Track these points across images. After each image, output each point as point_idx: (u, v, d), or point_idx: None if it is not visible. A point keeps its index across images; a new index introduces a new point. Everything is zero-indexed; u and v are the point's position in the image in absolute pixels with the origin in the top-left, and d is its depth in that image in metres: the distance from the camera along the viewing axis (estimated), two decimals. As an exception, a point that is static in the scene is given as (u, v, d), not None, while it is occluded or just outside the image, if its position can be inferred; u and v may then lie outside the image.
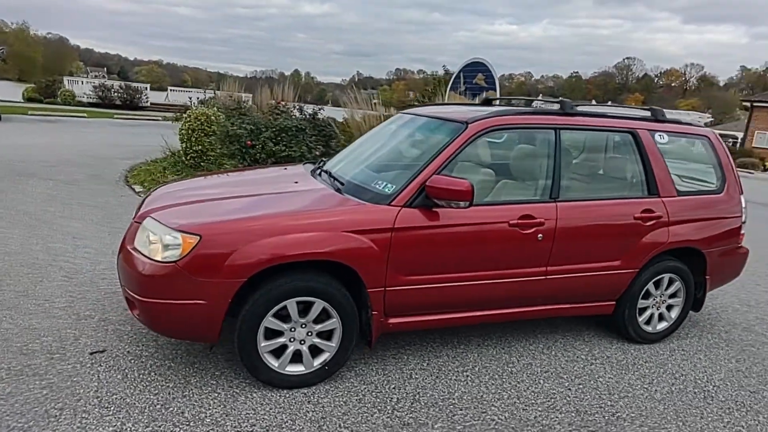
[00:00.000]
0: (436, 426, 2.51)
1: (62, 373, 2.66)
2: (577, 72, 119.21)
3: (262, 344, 2.59)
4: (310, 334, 2.69)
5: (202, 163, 7.61)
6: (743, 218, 3.70)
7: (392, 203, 2.72)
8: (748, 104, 24.32)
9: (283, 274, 2.53)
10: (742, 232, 3.72)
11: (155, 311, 2.48)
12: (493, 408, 2.70)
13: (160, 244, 2.49)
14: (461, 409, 2.66)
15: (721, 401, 2.94)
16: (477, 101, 8.90)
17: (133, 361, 2.84)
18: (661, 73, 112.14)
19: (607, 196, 3.27)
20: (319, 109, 9.40)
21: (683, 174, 3.54)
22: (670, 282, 3.54)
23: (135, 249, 2.60)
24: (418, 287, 2.81)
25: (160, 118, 20.36)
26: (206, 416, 2.43)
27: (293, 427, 2.42)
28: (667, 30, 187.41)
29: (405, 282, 2.77)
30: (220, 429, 2.35)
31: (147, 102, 25.04)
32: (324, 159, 3.97)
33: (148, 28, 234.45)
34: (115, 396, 2.52)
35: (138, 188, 7.10)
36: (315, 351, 2.73)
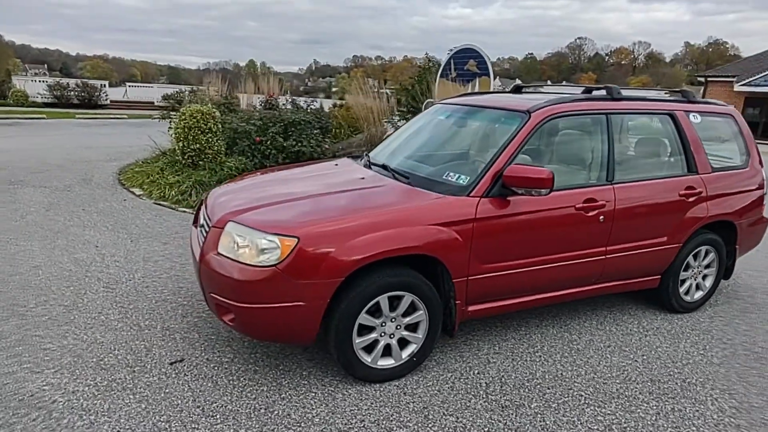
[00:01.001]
0: (532, 405, 2.61)
1: (151, 386, 2.60)
2: (531, 53, 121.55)
3: (357, 341, 2.61)
4: (398, 327, 2.73)
5: (200, 162, 7.39)
6: (765, 190, 3.96)
7: (471, 194, 2.77)
8: (702, 79, 25.58)
9: (375, 271, 2.55)
10: (764, 202, 3.98)
11: (254, 316, 2.45)
12: (576, 384, 2.83)
13: (254, 248, 2.45)
14: (548, 388, 2.78)
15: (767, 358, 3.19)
16: (470, 88, 9.02)
17: (216, 368, 2.80)
18: (611, 51, 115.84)
19: (654, 176, 3.43)
20: (312, 101, 9.30)
21: (713, 151, 3.75)
22: (706, 253, 3.77)
23: (222, 255, 2.55)
24: (495, 274, 2.88)
25: (125, 116, 19.51)
26: (314, 416, 2.44)
27: (400, 419, 2.46)
28: (615, 9, 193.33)
29: (484, 270, 2.84)
30: (332, 428, 2.37)
31: (107, 100, 23.83)
32: (365, 152, 3.95)
33: (89, 20, 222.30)
34: (215, 404, 2.49)
35: (137, 191, 6.85)
36: (403, 343, 2.78)
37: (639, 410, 2.62)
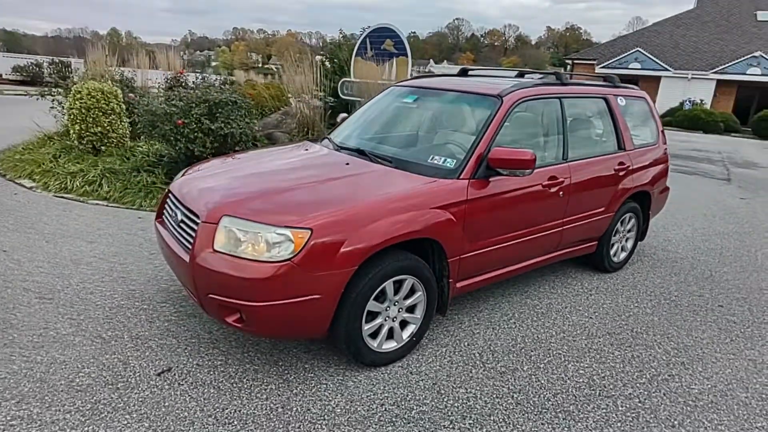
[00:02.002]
0: (524, 368, 2.86)
1: (146, 402, 2.36)
2: (414, 32, 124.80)
3: (365, 328, 2.62)
4: (400, 310, 2.79)
5: (103, 147, 6.56)
6: (668, 163, 4.66)
7: (461, 177, 2.89)
8: (569, 62, 28.59)
9: (382, 257, 2.57)
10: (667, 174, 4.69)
11: (268, 314, 2.33)
12: (552, 344, 3.15)
13: (262, 242, 2.32)
14: (532, 351, 3.05)
15: (686, 305, 3.82)
16: (387, 67, 9.09)
17: (212, 372, 2.62)
18: (485, 33, 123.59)
19: (596, 154, 3.85)
20: (225, 79, 8.69)
21: (632, 130, 4.30)
22: (629, 219, 4.35)
23: (221, 252, 2.37)
24: (482, 251, 3.06)
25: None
26: (334, 407, 2.43)
27: (416, 397, 2.55)
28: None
29: (473, 248, 3.00)
30: (356, 415, 2.38)
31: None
32: (327, 135, 3.86)
33: None
34: (227, 410, 2.35)
35: (27, 183, 5.89)
36: (402, 325, 2.84)
37: (608, 360, 3.01)
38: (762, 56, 23.31)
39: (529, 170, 2.88)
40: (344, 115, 4.28)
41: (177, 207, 2.78)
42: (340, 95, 9.51)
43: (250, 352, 2.82)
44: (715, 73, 24.33)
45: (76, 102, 6.34)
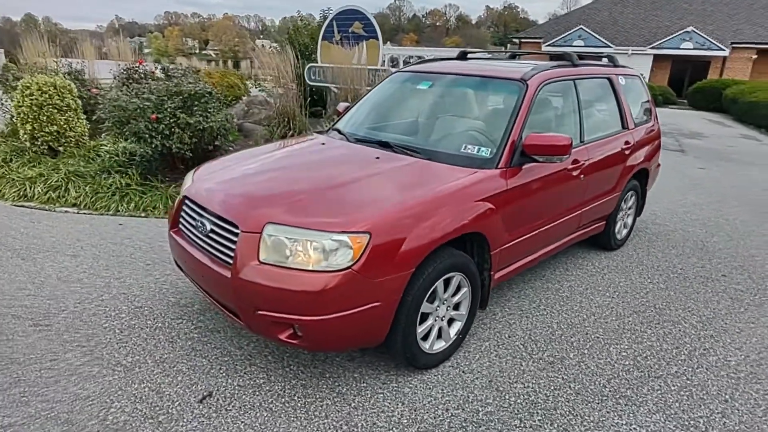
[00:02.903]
0: (571, 356, 2.85)
1: (200, 431, 2.14)
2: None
3: (418, 330, 2.49)
4: (448, 308, 2.68)
5: (60, 147, 5.96)
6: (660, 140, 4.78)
7: (498, 166, 2.79)
8: (517, 40, 29.14)
9: (434, 256, 2.44)
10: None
11: (328, 327, 2.15)
12: (587, 328, 3.15)
13: (317, 251, 2.12)
14: (571, 336, 3.04)
15: (693, 278, 3.96)
16: (357, 51, 8.81)
17: (257, 393, 2.41)
18: (426, 13, 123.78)
19: (606, 134, 3.87)
20: (188, 69, 8.15)
21: (632, 109, 4.36)
22: (631, 196, 4.44)
23: (269, 264, 2.16)
24: (517, 240, 2.99)
25: None
26: (399, 417, 2.30)
27: (478, 397, 2.46)
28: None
29: (510, 238, 2.92)
30: (424, 424, 2.27)
31: None
32: (334, 126, 3.64)
33: None
34: (289, 434, 2.17)
35: (-23, 192, 5.25)
36: (449, 323, 2.74)
37: (644, 340, 3.05)
38: (694, 31, 24.68)
39: (566, 156, 2.82)
40: (345, 104, 4.05)
41: (202, 216, 2.51)
42: (307, 81, 9.16)
43: (291, 366, 2.63)
44: (652, 48, 25.53)
45: (26, 99, 5.69)
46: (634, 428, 2.30)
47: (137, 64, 7.29)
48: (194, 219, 2.57)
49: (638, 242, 4.71)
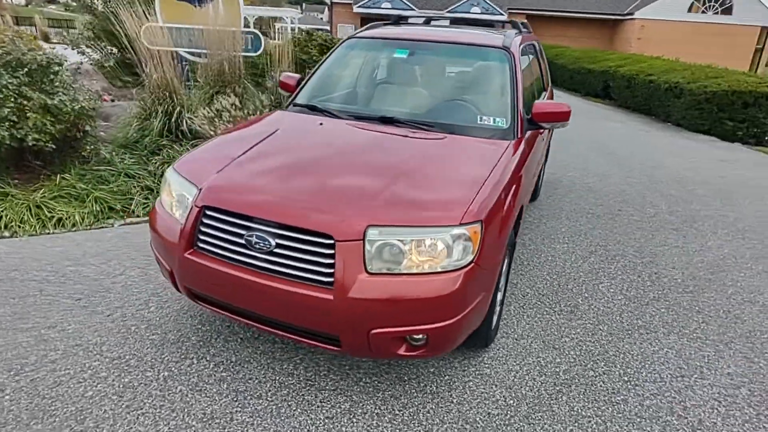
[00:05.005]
0: (579, 301, 3.16)
1: None
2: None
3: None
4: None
5: None
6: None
7: (517, 136, 2.82)
8: (328, 2, 28.85)
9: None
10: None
11: (453, 331, 1.96)
12: (570, 272, 3.52)
13: (437, 248, 1.89)
14: (566, 284, 3.37)
15: (601, 214, 4.72)
16: (211, 7, 7.65)
17: (358, 420, 2.10)
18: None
19: (546, 94, 4.22)
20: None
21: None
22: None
23: (381, 274, 1.86)
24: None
25: None
26: (504, 398, 2.29)
27: (546, 359, 2.58)
28: None
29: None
30: (528, 399, 2.30)
31: None
32: (302, 103, 3.17)
33: None
34: (424, 453, 1.96)
35: None
36: (494, 295, 2.77)
37: (614, 275, 3.55)
38: (479, -3, 27.99)
39: (567, 122, 3.01)
40: (292, 74, 3.53)
41: (252, 228, 1.97)
42: (145, 44, 7.67)
43: (366, 381, 2.34)
44: (449, 12, 28.16)
45: None
46: (667, 352, 2.72)
47: None
48: (235, 234, 2.00)
49: (546, 192, 5.35)
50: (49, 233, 3.63)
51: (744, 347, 2.81)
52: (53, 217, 3.75)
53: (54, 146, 4.05)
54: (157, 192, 4.26)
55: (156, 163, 4.51)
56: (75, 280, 3.02)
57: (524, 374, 2.46)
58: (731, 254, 4.03)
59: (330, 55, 3.52)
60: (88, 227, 3.77)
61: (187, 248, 2.10)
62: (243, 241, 1.98)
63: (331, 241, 1.86)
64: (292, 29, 25.71)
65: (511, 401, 2.28)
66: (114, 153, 4.58)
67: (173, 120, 4.89)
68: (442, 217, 1.95)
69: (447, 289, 1.88)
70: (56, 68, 4.12)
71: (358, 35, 3.57)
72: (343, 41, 3.57)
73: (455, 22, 3.99)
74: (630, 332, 2.87)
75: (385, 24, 3.91)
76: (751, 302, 3.30)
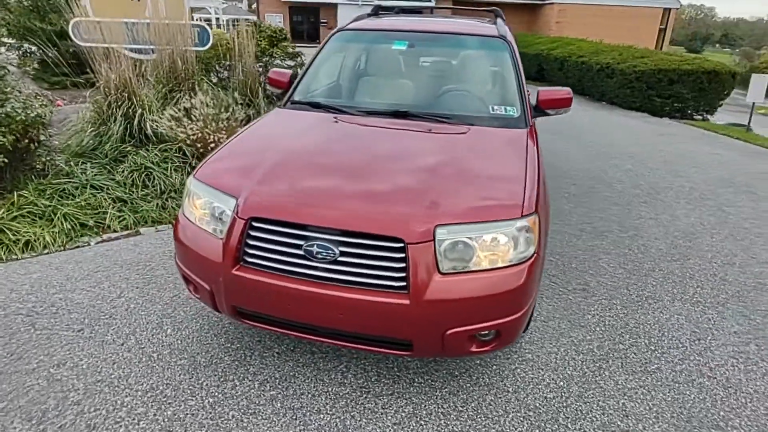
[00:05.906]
0: (587, 278, 3.31)
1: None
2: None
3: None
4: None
5: None
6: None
7: (529, 123, 2.87)
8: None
9: None
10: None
11: (524, 319, 1.99)
12: (569, 251, 3.68)
13: (507, 242, 1.89)
14: (570, 262, 3.51)
15: (575, 193, 4.96)
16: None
17: (424, 427, 2.07)
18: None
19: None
20: None
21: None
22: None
23: (453, 273, 1.84)
24: None
25: None
26: (554, 381, 2.35)
27: (578, 337, 2.68)
28: None
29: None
30: (577, 378, 2.38)
31: None
32: (293, 98, 3.02)
33: None
34: (501, 445, 1.97)
35: None
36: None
37: (609, 250, 3.75)
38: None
39: (570, 108, 3.10)
40: (282, 70, 3.36)
41: (310, 239, 1.85)
42: (75, 40, 6.98)
43: (419, 382, 2.31)
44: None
45: None
46: (678, 318, 2.91)
47: None
48: (291, 245, 1.87)
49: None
50: (17, 258, 3.23)
51: (738, 306, 3.08)
52: (18, 240, 3.34)
53: (6, 160, 3.60)
54: (132, 203, 3.92)
55: (124, 171, 4.13)
56: (68, 309, 2.72)
57: (563, 355, 2.54)
58: (698, 221, 4.39)
59: (322, 48, 3.38)
60: (62, 248, 3.39)
61: (234, 265, 1.94)
62: (302, 252, 1.86)
63: (401, 245, 1.80)
64: (217, 20, 24.46)
65: (561, 383, 2.34)
66: (72, 163, 4.14)
67: (135, 123, 4.49)
68: (505, 210, 1.94)
69: (516, 282, 1.89)
70: (1, 72, 3.64)
71: (349, 27, 3.46)
72: (333, 34, 3.44)
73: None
74: (640, 303, 3.05)
75: (369, 15, 3.82)
76: (730, 264, 3.61)
